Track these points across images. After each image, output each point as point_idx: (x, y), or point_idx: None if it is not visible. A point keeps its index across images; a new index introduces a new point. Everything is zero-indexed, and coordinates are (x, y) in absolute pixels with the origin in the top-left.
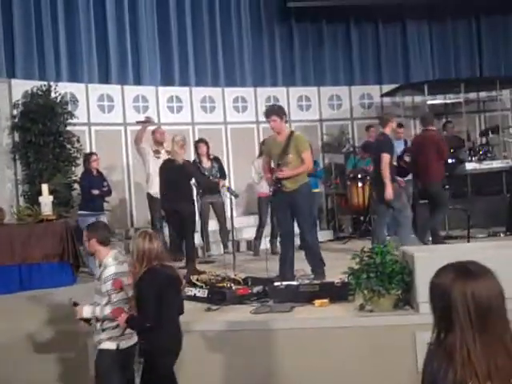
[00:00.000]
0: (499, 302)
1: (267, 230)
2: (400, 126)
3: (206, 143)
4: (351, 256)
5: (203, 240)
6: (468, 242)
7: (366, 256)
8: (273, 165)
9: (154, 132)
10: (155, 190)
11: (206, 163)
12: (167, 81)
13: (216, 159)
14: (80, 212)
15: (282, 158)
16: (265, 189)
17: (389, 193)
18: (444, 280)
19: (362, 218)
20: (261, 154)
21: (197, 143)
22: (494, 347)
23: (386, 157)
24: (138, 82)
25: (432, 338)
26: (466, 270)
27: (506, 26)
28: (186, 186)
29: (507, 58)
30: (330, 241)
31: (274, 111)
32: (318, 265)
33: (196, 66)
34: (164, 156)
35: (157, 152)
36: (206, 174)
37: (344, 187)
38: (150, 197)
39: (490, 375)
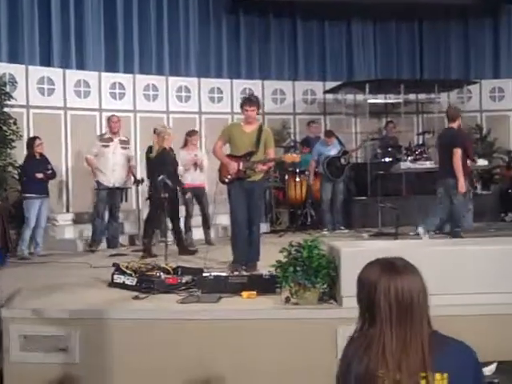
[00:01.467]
0: (421, 298)
1: (197, 220)
2: (330, 133)
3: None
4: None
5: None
6: (396, 239)
7: (293, 250)
8: (228, 152)
9: (108, 119)
10: (101, 178)
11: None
12: (111, 67)
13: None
14: (25, 195)
15: (254, 149)
16: (190, 180)
17: (461, 185)
18: (370, 274)
19: (299, 212)
20: (186, 144)
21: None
22: (410, 342)
23: (458, 151)
24: (81, 66)
25: (356, 328)
26: (392, 266)
27: (447, 32)
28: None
29: (447, 62)
30: (266, 233)
31: (257, 102)
32: (256, 258)
33: (141, 54)
34: (115, 144)
35: (110, 140)
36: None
37: (282, 181)
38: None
39: (400, 367)
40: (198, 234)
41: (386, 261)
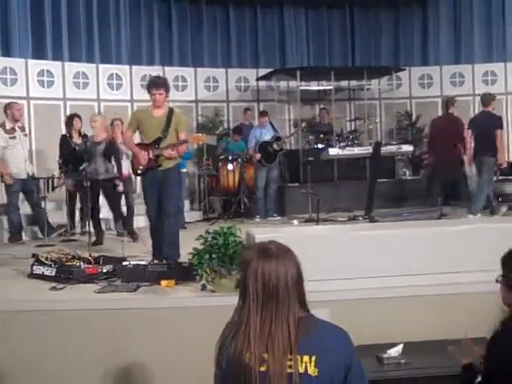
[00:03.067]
0: (289, 282)
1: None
2: (264, 114)
3: (81, 119)
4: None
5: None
6: (316, 224)
7: (210, 237)
8: (139, 140)
9: (10, 107)
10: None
11: (77, 139)
12: (38, 54)
13: (86, 136)
14: None
15: (163, 134)
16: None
17: (504, 160)
18: (245, 258)
19: (232, 200)
20: (113, 133)
21: (72, 118)
22: (275, 325)
23: (499, 131)
24: (6, 53)
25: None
26: (264, 250)
27: (378, 20)
28: None
29: (377, 49)
30: (199, 221)
31: (164, 84)
32: (174, 254)
33: (70, 41)
34: (18, 133)
35: (14, 130)
36: (77, 149)
37: (215, 168)
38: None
39: (266, 350)
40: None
41: (260, 245)
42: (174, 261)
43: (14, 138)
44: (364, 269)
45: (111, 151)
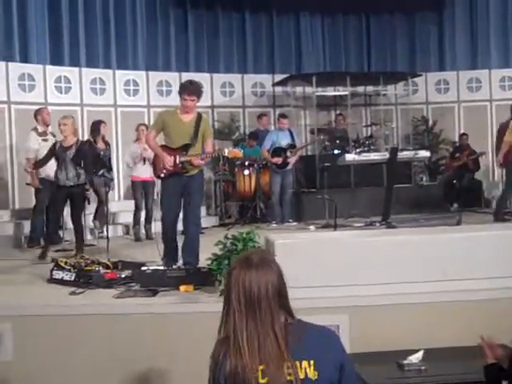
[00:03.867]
0: (269, 291)
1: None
2: (283, 116)
3: (106, 125)
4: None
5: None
6: (334, 230)
7: (229, 242)
8: (165, 143)
9: (40, 112)
10: (46, 172)
11: (102, 145)
12: (56, 60)
13: (108, 143)
14: None
15: (192, 142)
16: (139, 173)
17: None
18: (230, 269)
19: (248, 205)
20: (138, 138)
21: (100, 123)
22: (264, 335)
23: None
24: (24, 59)
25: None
26: (246, 260)
27: (393, 25)
28: None
29: (393, 55)
30: (215, 227)
31: (198, 91)
32: (194, 261)
33: (87, 47)
34: (50, 137)
35: (44, 134)
36: (102, 154)
37: (232, 174)
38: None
39: (261, 360)
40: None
41: (243, 255)
42: (193, 267)
43: (47, 140)
44: (383, 275)
45: (81, 156)
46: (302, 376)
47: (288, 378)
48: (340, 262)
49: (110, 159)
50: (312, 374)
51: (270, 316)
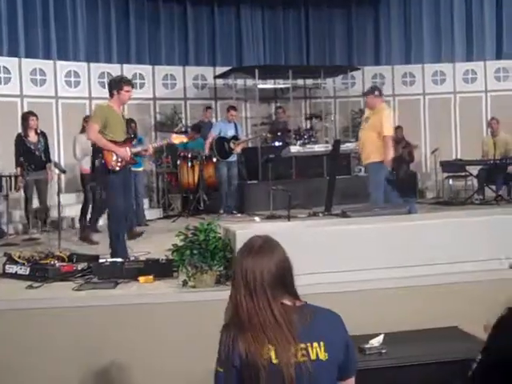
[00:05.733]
0: (265, 276)
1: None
2: (234, 108)
3: (37, 117)
4: (176, 233)
5: (27, 218)
6: (288, 220)
7: (190, 233)
8: (109, 138)
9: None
10: None
11: (34, 137)
12: None
13: (43, 134)
14: None
15: (127, 133)
16: (89, 165)
17: None
18: (237, 255)
19: (191, 197)
20: (83, 129)
21: (27, 116)
22: (263, 318)
23: None
24: None
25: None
26: (247, 246)
27: (331, 19)
28: None
29: (331, 49)
30: (159, 219)
31: (132, 83)
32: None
33: (26, 37)
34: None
35: None
36: (32, 148)
37: (175, 166)
38: None
39: (270, 343)
40: None
41: (248, 241)
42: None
43: None
44: (339, 263)
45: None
46: (313, 357)
47: (301, 359)
48: (301, 251)
49: (46, 151)
50: (323, 355)
51: (266, 301)
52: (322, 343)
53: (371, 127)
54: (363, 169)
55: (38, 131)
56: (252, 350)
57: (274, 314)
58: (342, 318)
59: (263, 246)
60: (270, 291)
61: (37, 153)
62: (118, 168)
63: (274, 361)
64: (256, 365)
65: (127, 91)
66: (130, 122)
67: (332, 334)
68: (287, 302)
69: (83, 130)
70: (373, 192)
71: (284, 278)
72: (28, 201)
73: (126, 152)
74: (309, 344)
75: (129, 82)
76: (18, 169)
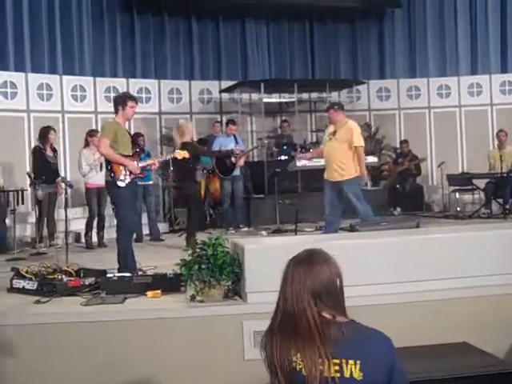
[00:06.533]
0: (301, 291)
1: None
2: (232, 122)
3: (55, 131)
4: (183, 248)
5: (38, 231)
6: (295, 234)
7: (198, 248)
8: (119, 152)
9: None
10: None
11: (50, 152)
12: (1, 65)
13: (55, 149)
14: None
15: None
16: (94, 180)
17: None
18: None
19: None
20: (87, 144)
21: (47, 130)
22: (298, 324)
23: None
24: None
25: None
26: (295, 257)
27: (336, 33)
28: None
29: (336, 63)
30: (165, 233)
31: (137, 99)
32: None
33: (32, 52)
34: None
35: None
36: (51, 162)
37: None
38: None
39: (299, 353)
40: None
41: (300, 252)
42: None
43: None
44: (348, 277)
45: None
46: (347, 375)
47: (333, 374)
48: None
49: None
50: (357, 374)
51: (304, 309)
52: (358, 362)
53: (340, 141)
54: (368, 183)
55: (52, 146)
56: (278, 355)
57: (309, 322)
58: (391, 340)
59: (309, 258)
60: (311, 300)
61: (53, 167)
62: (127, 181)
63: (301, 370)
64: (280, 370)
65: (131, 107)
66: (137, 135)
67: (372, 353)
68: (327, 315)
69: (87, 145)
70: (358, 205)
71: (330, 291)
72: (41, 215)
73: (136, 165)
74: (344, 360)
75: (132, 98)
76: (36, 182)
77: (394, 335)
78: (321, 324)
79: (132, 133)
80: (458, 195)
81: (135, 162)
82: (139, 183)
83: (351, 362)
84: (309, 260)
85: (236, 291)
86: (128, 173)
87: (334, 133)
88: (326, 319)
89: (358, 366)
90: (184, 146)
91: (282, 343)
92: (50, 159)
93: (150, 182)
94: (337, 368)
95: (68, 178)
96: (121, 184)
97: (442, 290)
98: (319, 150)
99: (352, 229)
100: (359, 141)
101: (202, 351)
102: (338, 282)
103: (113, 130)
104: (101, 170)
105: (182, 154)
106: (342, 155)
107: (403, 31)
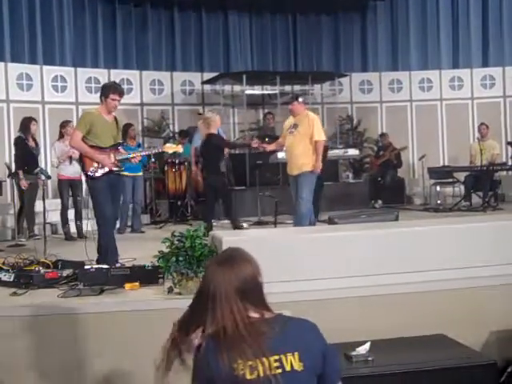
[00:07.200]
0: (227, 291)
1: (71, 213)
2: None
3: (37, 122)
4: (161, 240)
5: (17, 223)
6: (275, 227)
7: (176, 240)
8: (91, 143)
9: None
10: None
11: (32, 142)
12: None
13: (35, 140)
14: None
15: (120, 139)
16: (65, 172)
17: None
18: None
19: (178, 203)
20: (62, 136)
21: (29, 121)
22: (230, 332)
23: None
24: None
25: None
26: (215, 258)
27: (319, 26)
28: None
29: (318, 55)
30: (147, 225)
31: (123, 92)
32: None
33: (12, 41)
34: None
35: None
36: (34, 152)
37: (162, 172)
38: None
39: (240, 356)
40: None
41: (221, 253)
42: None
43: None
44: (327, 270)
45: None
46: (288, 368)
47: (276, 371)
48: (283, 258)
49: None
50: (297, 365)
51: (229, 314)
52: (296, 353)
53: (302, 134)
54: (350, 175)
55: (34, 137)
56: (223, 367)
57: (238, 327)
58: (317, 326)
59: (231, 258)
60: (233, 304)
61: (35, 158)
62: (97, 174)
63: (249, 376)
64: (229, 380)
65: (113, 99)
66: (128, 126)
67: (307, 342)
68: (254, 314)
69: (61, 136)
70: (302, 203)
71: (250, 292)
72: (23, 205)
73: (108, 159)
74: (282, 355)
75: (116, 91)
76: (20, 172)
77: (371, 327)
78: (250, 324)
79: (124, 123)
80: (438, 188)
81: (111, 155)
82: (128, 174)
83: (289, 354)
84: (230, 260)
85: None
86: (101, 165)
87: (295, 126)
88: (255, 319)
89: (296, 357)
90: (209, 138)
91: (224, 353)
92: (34, 150)
93: (139, 174)
94: (277, 364)
95: (48, 169)
96: (92, 175)
97: (419, 282)
98: (281, 143)
99: (331, 221)
100: (320, 135)
101: None
102: (260, 280)
103: (88, 121)
104: (70, 162)
105: (172, 148)
106: (303, 150)
107: (386, 24)
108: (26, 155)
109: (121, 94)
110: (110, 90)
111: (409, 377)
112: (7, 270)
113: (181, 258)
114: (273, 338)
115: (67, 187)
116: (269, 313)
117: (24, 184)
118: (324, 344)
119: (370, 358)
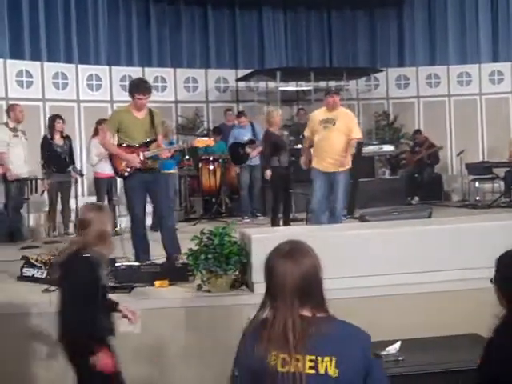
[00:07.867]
0: (286, 284)
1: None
2: (240, 114)
3: (63, 120)
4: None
5: (50, 220)
6: (306, 224)
7: (205, 237)
8: (121, 142)
9: (13, 109)
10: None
11: (59, 140)
12: (16, 54)
13: (68, 137)
14: None
15: (152, 137)
16: (103, 169)
17: None
18: (268, 258)
19: (213, 200)
20: (96, 133)
21: (54, 119)
22: (276, 324)
23: None
24: None
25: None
26: (276, 249)
27: (354, 21)
28: None
29: (354, 50)
30: (181, 222)
31: (151, 89)
32: (177, 250)
33: (48, 41)
34: (20, 135)
35: (15, 130)
36: (58, 151)
37: (196, 169)
38: None
39: (281, 349)
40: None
41: (281, 244)
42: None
43: (17, 136)
44: (363, 268)
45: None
46: (321, 371)
47: (308, 371)
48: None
49: (71, 155)
50: (332, 371)
51: (283, 308)
52: (334, 358)
53: (340, 130)
54: (386, 171)
55: (64, 134)
56: (258, 354)
57: (286, 322)
58: (369, 338)
59: (290, 251)
60: (290, 298)
61: (62, 156)
62: (126, 173)
63: (280, 369)
64: (261, 370)
65: (139, 99)
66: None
67: (348, 351)
68: (307, 312)
69: (96, 134)
70: (340, 202)
71: (309, 288)
72: (52, 203)
73: (135, 157)
74: (319, 357)
75: (140, 90)
76: (43, 171)
77: (404, 326)
78: (300, 324)
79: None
80: (477, 184)
81: (141, 153)
82: (163, 171)
83: (327, 358)
84: (292, 252)
85: (243, 281)
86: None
87: (331, 121)
88: (306, 318)
89: (333, 363)
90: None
91: (262, 343)
92: (59, 148)
93: (172, 171)
94: (311, 364)
95: (84, 167)
96: (122, 174)
97: (454, 280)
98: (310, 144)
99: (362, 219)
100: (358, 133)
101: (208, 342)
102: (320, 274)
103: (115, 119)
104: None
105: (204, 142)
106: (343, 147)
107: (423, 18)
108: (50, 155)
109: (145, 92)
110: (136, 89)
111: (440, 377)
112: (40, 267)
113: (210, 256)
114: (314, 337)
115: (105, 185)
116: (322, 313)
117: (45, 185)
118: (368, 358)
119: (400, 358)
